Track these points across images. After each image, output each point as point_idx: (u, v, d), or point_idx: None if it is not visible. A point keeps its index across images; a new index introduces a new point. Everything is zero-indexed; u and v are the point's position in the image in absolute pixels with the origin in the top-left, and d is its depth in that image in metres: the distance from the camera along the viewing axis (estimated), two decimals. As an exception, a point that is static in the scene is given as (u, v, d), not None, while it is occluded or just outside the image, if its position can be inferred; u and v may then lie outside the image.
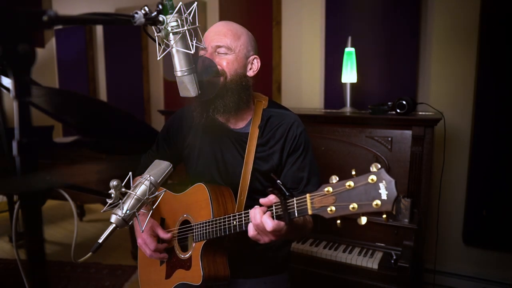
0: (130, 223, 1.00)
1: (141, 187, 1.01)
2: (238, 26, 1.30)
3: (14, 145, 0.49)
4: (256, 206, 1.01)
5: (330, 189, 0.83)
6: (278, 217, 0.95)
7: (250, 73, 1.31)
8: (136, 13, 0.83)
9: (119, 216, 0.97)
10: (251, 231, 1.00)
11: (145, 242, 1.34)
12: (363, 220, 0.79)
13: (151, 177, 1.03)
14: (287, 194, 0.94)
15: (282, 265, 1.42)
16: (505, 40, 2.33)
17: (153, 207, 1.05)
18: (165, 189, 1.08)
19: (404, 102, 2.08)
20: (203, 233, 1.22)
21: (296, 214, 0.91)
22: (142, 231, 1.33)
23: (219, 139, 1.34)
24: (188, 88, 1.05)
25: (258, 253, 1.35)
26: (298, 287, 2.01)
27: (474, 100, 2.49)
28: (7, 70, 0.48)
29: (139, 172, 1.36)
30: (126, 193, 0.98)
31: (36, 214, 0.52)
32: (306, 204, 0.88)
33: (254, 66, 1.32)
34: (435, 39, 2.63)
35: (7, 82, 2.69)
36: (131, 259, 3.17)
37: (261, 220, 0.95)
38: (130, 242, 3.18)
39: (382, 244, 1.98)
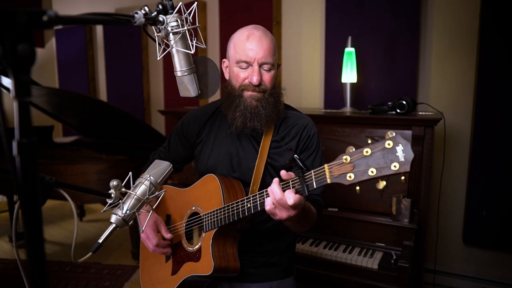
0: (130, 223, 1.00)
1: (141, 187, 1.01)
2: (272, 37, 1.30)
3: (14, 145, 0.49)
4: (274, 182, 1.02)
5: (348, 157, 0.85)
6: (297, 191, 0.97)
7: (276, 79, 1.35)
8: (136, 13, 0.83)
9: (119, 216, 0.97)
10: (269, 205, 1.01)
11: (148, 236, 1.35)
12: (382, 184, 0.82)
13: (151, 177, 1.03)
14: (304, 168, 0.95)
15: (288, 269, 1.42)
16: (505, 40, 2.33)
17: (153, 207, 1.06)
18: (165, 189, 1.08)
19: (404, 102, 2.08)
20: (214, 221, 1.23)
21: (314, 185, 0.93)
22: (142, 231, 1.33)
23: (234, 134, 1.35)
24: (188, 88, 1.05)
25: (264, 257, 1.36)
26: (298, 287, 2.01)
27: (474, 100, 2.49)
28: (7, 70, 0.48)
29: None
30: (126, 193, 0.98)
31: (36, 214, 0.52)
32: (325, 174, 0.90)
33: (279, 71, 1.36)
34: (435, 39, 2.63)
35: (7, 82, 2.70)
36: (131, 259, 3.17)
37: (282, 194, 0.96)
38: (130, 242, 3.19)
39: (382, 244, 1.98)
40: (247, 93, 1.26)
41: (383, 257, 1.89)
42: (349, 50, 2.60)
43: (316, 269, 1.95)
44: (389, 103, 2.18)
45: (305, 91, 3.17)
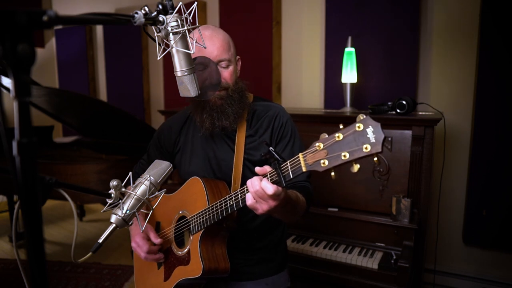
0: (130, 223, 1.00)
1: (141, 187, 1.01)
2: (224, 33, 1.31)
3: (14, 145, 0.49)
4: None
5: (321, 144, 0.85)
6: (275, 183, 0.96)
7: (238, 74, 1.35)
8: (136, 13, 0.83)
9: (119, 216, 0.97)
10: (249, 200, 1.00)
11: (138, 244, 1.34)
12: (356, 167, 0.82)
13: (151, 177, 1.03)
14: (280, 159, 0.95)
15: (281, 264, 1.43)
16: (505, 40, 2.33)
17: (154, 207, 1.05)
18: (165, 189, 1.08)
19: (404, 102, 2.08)
20: (199, 222, 1.23)
21: (291, 175, 0.93)
22: (142, 231, 1.33)
23: (209, 137, 1.36)
24: (188, 88, 1.05)
25: (257, 255, 1.36)
26: (298, 287, 2.01)
27: (474, 100, 2.49)
28: (7, 70, 0.48)
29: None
30: (126, 193, 0.98)
31: (36, 214, 0.52)
32: (300, 163, 0.90)
33: (239, 66, 1.36)
34: (435, 39, 2.63)
35: (7, 82, 2.70)
36: (131, 259, 3.16)
37: (260, 186, 0.95)
38: (130, 242, 3.18)
39: (382, 244, 1.98)
40: None
41: (383, 257, 1.89)
42: (349, 50, 2.60)
43: (316, 269, 1.95)
44: (389, 103, 2.18)
45: (305, 91, 3.17)
